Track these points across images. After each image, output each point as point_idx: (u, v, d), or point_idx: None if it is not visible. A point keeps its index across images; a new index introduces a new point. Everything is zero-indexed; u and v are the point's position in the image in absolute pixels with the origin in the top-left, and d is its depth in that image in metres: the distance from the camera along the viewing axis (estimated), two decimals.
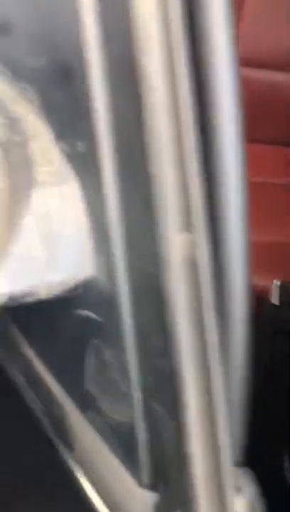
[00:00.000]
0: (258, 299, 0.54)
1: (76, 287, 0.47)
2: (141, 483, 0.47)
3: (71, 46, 0.45)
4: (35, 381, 0.57)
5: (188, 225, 0.35)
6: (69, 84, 0.46)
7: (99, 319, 0.48)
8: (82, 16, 0.42)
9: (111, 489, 0.50)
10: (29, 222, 0.46)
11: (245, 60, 1.17)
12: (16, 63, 0.51)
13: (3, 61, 0.53)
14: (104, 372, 0.48)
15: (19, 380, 0.58)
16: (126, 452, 0.48)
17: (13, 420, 0.59)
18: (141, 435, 0.46)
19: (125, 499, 0.49)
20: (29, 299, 0.46)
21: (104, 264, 0.46)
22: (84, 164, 0.47)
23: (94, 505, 0.51)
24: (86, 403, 0.51)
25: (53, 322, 0.54)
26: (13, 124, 0.50)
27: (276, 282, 0.81)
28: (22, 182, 0.47)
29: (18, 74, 0.51)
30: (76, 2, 0.44)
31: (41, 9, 0.47)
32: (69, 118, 0.48)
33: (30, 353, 0.58)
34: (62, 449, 0.54)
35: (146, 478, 0.47)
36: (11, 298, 0.45)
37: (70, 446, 0.53)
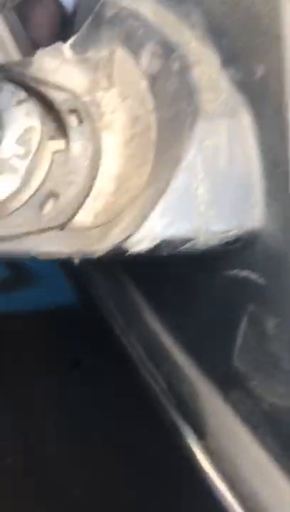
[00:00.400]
0: None
1: (238, 239, 0.40)
2: None
3: None
4: (159, 356, 0.50)
5: None
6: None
7: (262, 281, 0.40)
8: None
9: (253, 489, 0.42)
10: (192, 156, 0.39)
11: None
12: None
13: None
14: (262, 345, 0.41)
15: (139, 354, 0.51)
16: (284, 445, 0.39)
17: (132, 402, 0.52)
18: None
19: (273, 503, 0.41)
20: (185, 246, 0.39)
21: (278, 213, 0.39)
22: (259, 94, 0.40)
23: (226, 505, 0.43)
24: (230, 382, 0.44)
25: (193, 284, 0.47)
26: (171, 50, 0.44)
27: None
28: (183, 112, 0.41)
29: None
30: None
31: None
32: (242, 40, 0.41)
33: (154, 322, 0.51)
34: (189, 435, 0.47)
35: None
36: (166, 242, 0.38)
37: (200, 433, 0.46)
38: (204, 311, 0.46)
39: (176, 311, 0.50)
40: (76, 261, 0.48)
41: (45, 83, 0.49)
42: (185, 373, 0.48)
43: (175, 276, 0.49)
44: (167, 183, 0.38)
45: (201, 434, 0.46)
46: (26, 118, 0.46)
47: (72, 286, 0.63)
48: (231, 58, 0.42)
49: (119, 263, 0.55)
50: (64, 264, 0.62)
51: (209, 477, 0.45)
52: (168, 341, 0.50)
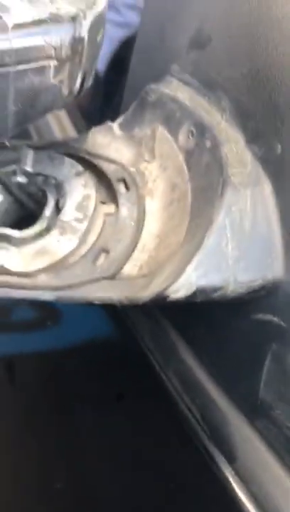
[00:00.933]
0: None
1: (262, 288, 0.47)
2: None
3: (273, 54, 0.47)
4: (194, 389, 0.56)
5: None
6: (266, 89, 0.48)
7: (283, 324, 0.47)
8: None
9: (278, 509, 0.47)
10: (222, 219, 0.46)
11: None
12: (209, 74, 0.54)
13: (196, 73, 0.56)
14: (284, 379, 0.47)
15: (176, 387, 0.58)
16: None
17: (170, 431, 0.58)
18: None
19: None
20: (216, 294, 0.46)
21: None
22: (278, 167, 0.48)
23: None
24: (257, 412, 0.50)
25: (224, 325, 0.54)
26: (204, 130, 0.52)
27: None
28: (214, 182, 0.49)
29: (211, 84, 0.54)
30: (278, 11, 0.47)
31: (240, 21, 0.50)
32: (263, 123, 0.49)
33: (190, 359, 0.57)
34: (220, 460, 0.52)
35: None
36: (200, 290, 0.45)
37: (230, 457, 0.52)
38: (233, 349, 0.53)
39: (209, 349, 0.56)
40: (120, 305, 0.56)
41: (98, 156, 0.58)
42: (217, 405, 0.54)
43: (208, 318, 0.56)
44: (201, 241, 0.46)
45: (231, 459, 0.52)
46: (83, 188, 0.54)
47: (109, 318, 0.70)
48: (254, 137, 0.50)
49: (157, 306, 0.62)
50: (109, 307, 0.69)
51: (238, 498, 0.51)
52: (201, 376, 0.56)
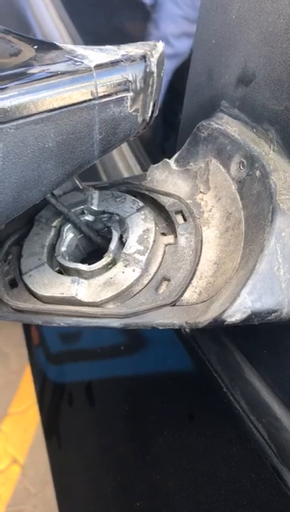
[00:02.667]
0: None
1: None
2: None
3: None
4: (260, 409, 0.58)
5: None
6: None
7: None
8: None
9: None
10: (272, 244, 0.49)
11: None
12: (256, 109, 0.57)
13: (243, 108, 0.59)
14: None
15: (243, 408, 0.60)
16: None
17: (238, 450, 0.60)
18: None
19: None
20: (271, 317, 0.48)
21: None
22: None
23: None
24: None
25: (285, 346, 0.56)
26: (254, 161, 0.55)
27: None
28: (265, 209, 0.51)
29: (258, 118, 0.57)
30: None
31: (281, 58, 0.53)
32: None
33: (255, 379, 0.59)
34: (288, 478, 0.54)
35: None
36: (255, 313, 0.48)
37: None
38: None
39: (273, 370, 0.58)
40: (187, 329, 0.59)
41: (157, 191, 0.63)
42: (283, 423, 0.56)
43: (269, 339, 0.58)
44: (253, 267, 0.49)
45: None
46: (144, 222, 0.59)
47: (185, 349, 0.74)
48: None
49: (222, 329, 0.65)
50: (178, 332, 0.73)
51: None
52: (267, 396, 0.58)
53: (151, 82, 0.51)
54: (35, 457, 2.39)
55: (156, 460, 0.75)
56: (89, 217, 0.62)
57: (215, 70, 0.62)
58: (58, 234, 0.62)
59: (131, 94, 0.49)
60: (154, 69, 0.51)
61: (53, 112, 0.42)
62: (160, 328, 0.53)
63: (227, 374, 0.63)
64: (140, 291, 0.56)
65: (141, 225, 0.59)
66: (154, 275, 0.57)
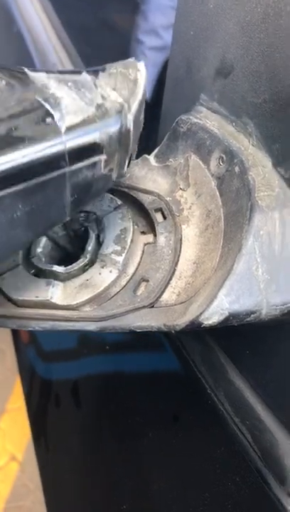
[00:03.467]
0: None
1: None
2: None
3: None
4: (244, 410, 0.57)
5: None
6: (288, 113, 0.49)
7: None
8: None
9: None
10: (250, 243, 0.47)
11: None
12: (235, 102, 0.55)
13: (222, 101, 0.58)
14: None
15: (227, 409, 0.58)
16: None
17: (222, 452, 0.59)
18: None
19: None
20: (250, 318, 0.47)
21: None
22: None
23: None
24: None
25: (267, 347, 0.54)
26: (233, 156, 0.53)
27: None
28: (244, 207, 0.50)
29: (237, 111, 0.55)
30: None
31: (258, 49, 0.51)
32: (289, 145, 0.50)
33: (239, 381, 0.58)
34: (271, 480, 0.53)
35: None
36: (233, 315, 0.46)
37: (281, 478, 0.52)
38: (278, 370, 0.53)
39: (255, 370, 0.57)
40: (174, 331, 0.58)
41: (136, 188, 0.61)
42: (266, 425, 0.54)
43: (252, 340, 0.57)
44: (231, 267, 0.47)
45: (282, 479, 0.52)
46: (121, 221, 0.57)
47: (171, 349, 0.72)
48: (281, 160, 0.50)
49: (206, 330, 0.63)
50: (166, 334, 0.71)
51: None
52: (250, 397, 0.57)
53: (127, 140, 0.46)
54: (34, 454, 2.39)
55: (141, 461, 0.74)
56: None
57: (194, 62, 0.61)
58: None
59: (104, 157, 0.44)
60: (130, 127, 0.45)
61: (19, 186, 0.38)
62: (138, 330, 0.52)
63: (211, 375, 0.62)
64: (117, 292, 0.54)
65: (118, 224, 0.57)
66: (132, 276, 0.55)
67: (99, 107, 0.42)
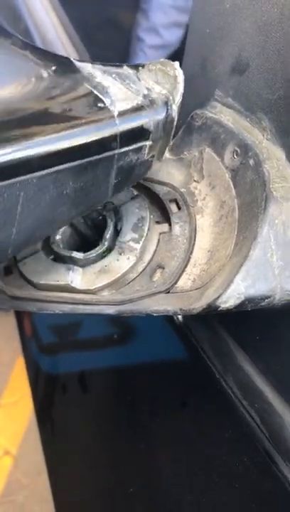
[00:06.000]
0: None
1: None
2: None
3: None
4: (252, 394, 0.59)
5: None
6: None
7: None
8: None
9: None
10: (266, 232, 0.49)
11: None
12: (250, 97, 0.57)
13: (237, 97, 0.60)
14: None
15: (235, 393, 0.61)
16: None
17: (231, 435, 0.61)
18: None
19: None
20: (264, 303, 0.49)
21: None
22: None
23: None
24: None
25: (278, 332, 0.57)
26: (247, 150, 0.56)
27: None
28: (258, 197, 0.52)
29: (252, 106, 0.57)
30: None
31: (274, 47, 0.53)
32: None
33: (247, 366, 0.60)
34: (279, 461, 0.55)
35: None
36: (249, 299, 0.48)
37: (289, 458, 0.54)
38: (287, 354, 0.56)
39: (265, 356, 0.59)
40: (179, 317, 0.60)
41: (151, 180, 0.63)
42: (275, 408, 0.57)
43: (262, 326, 0.59)
44: (247, 253, 0.49)
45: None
46: (138, 210, 0.59)
47: (177, 337, 0.74)
48: None
49: (215, 316, 0.66)
50: (170, 320, 0.73)
51: None
52: (259, 382, 0.59)
53: (170, 130, 0.50)
54: (28, 448, 2.39)
55: (149, 447, 0.76)
56: None
57: (209, 59, 0.63)
58: None
59: (150, 142, 0.47)
60: (175, 116, 0.49)
61: (74, 163, 0.41)
62: (154, 314, 0.54)
63: (219, 361, 0.64)
64: (134, 278, 0.56)
65: (135, 213, 0.59)
66: (149, 263, 0.57)
67: (145, 96, 0.45)
